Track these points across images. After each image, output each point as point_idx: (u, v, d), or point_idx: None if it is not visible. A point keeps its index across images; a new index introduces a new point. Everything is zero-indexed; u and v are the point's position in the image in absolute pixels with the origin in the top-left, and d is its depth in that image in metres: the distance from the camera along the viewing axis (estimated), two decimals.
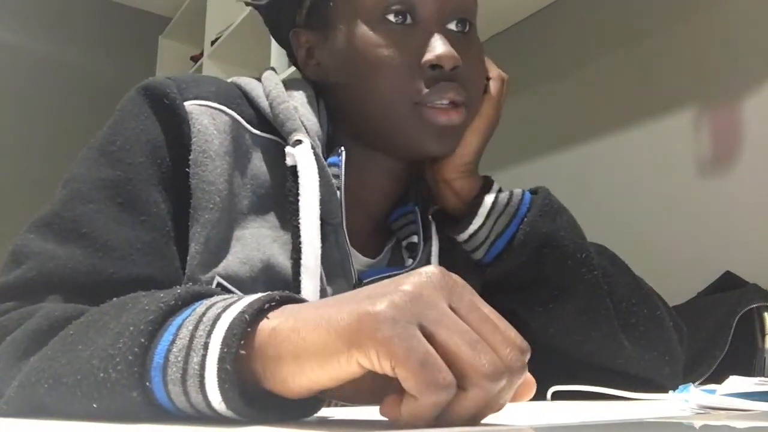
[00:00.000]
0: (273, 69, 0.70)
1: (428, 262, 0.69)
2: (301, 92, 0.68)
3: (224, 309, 0.36)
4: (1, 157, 2.70)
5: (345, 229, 0.64)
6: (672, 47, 1.33)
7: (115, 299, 0.42)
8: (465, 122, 0.66)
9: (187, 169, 0.58)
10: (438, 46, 0.63)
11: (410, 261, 0.70)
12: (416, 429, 0.32)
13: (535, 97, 1.64)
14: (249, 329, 0.35)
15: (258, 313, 0.35)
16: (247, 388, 0.35)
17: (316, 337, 0.33)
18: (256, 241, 0.60)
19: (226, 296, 0.39)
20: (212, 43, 2.51)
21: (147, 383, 0.35)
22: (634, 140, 1.39)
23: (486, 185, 0.70)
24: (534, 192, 0.71)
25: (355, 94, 0.66)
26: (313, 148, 0.62)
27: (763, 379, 0.52)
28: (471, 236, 0.68)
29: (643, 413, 0.52)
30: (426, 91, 0.63)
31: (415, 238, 0.71)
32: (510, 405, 0.36)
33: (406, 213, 0.72)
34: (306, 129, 0.64)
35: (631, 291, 0.72)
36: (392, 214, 0.73)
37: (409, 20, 0.64)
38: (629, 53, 1.42)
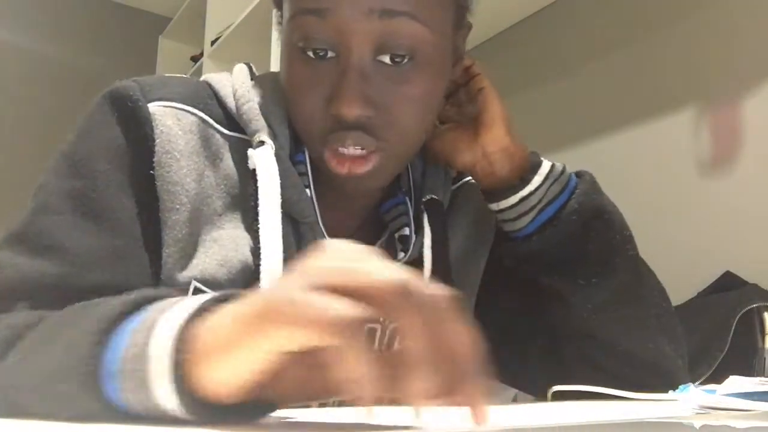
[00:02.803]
0: (247, 64, 0.69)
1: (420, 255, 0.66)
2: (270, 87, 0.65)
3: (163, 313, 0.36)
4: (1, 156, 2.71)
5: (322, 226, 0.63)
6: (672, 47, 1.33)
7: (72, 306, 0.43)
8: (380, 164, 0.60)
9: (152, 172, 0.58)
10: (341, 95, 0.56)
11: (402, 254, 0.67)
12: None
13: (534, 97, 1.64)
14: (190, 334, 0.35)
15: (195, 316, 0.35)
16: (202, 391, 0.35)
17: (226, 332, 0.34)
18: (233, 242, 0.60)
19: (173, 299, 0.38)
20: (212, 43, 2.50)
21: (104, 395, 0.36)
22: (635, 140, 1.39)
23: (534, 154, 0.69)
24: (577, 174, 0.71)
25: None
26: (276, 149, 0.60)
27: (763, 379, 0.52)
28: (521, 200, 0.67)
29: (643, 413, 0.52)
30: (331, 134, 0.59)
31: (407, 230, 0.68)
32: (510, 405, 0.35)
33: (397, 204, 0.70)
34: (271, 127, 0.62)
35: (656, 282, 0.72)
36: (383, 206, 0.70)
37: (330, 54, 0.58)
38: (629, 53, 1.42)
